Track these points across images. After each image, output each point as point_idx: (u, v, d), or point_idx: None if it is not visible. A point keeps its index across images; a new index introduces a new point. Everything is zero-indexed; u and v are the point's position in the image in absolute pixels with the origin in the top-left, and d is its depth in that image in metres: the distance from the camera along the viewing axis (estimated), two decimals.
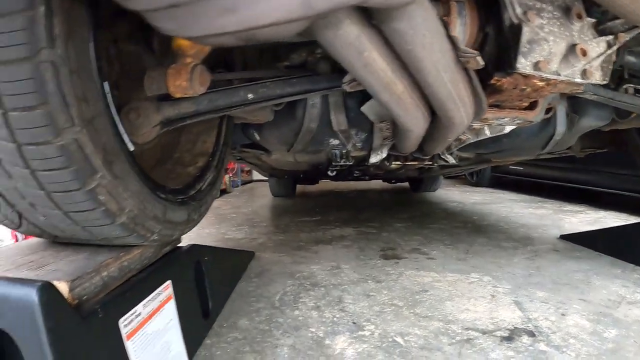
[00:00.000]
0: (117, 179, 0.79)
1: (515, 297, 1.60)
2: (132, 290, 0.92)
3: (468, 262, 2.07)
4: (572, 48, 1.09)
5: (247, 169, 7.67)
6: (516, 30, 1.03)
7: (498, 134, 1.63)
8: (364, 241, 2.57)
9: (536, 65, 1.07)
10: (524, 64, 1.06)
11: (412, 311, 1.49)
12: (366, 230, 2.91)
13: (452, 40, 0.95)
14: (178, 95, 0.98)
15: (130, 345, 0.87)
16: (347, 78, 1.19)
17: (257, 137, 1.98)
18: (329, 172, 2.98)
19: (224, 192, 6.18)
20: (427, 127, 1.36)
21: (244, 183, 7.61)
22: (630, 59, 1.52)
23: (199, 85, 0.94)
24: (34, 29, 0.60)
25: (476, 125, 1.49)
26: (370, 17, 0.82)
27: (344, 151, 2.17)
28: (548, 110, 1.61)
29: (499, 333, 1.30)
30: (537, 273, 1.89)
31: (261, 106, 1.28)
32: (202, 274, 1.36)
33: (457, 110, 1.15)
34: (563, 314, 1.43)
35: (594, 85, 1.37)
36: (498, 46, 1.12)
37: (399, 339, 1.29)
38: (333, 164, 2.42)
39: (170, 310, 1.07)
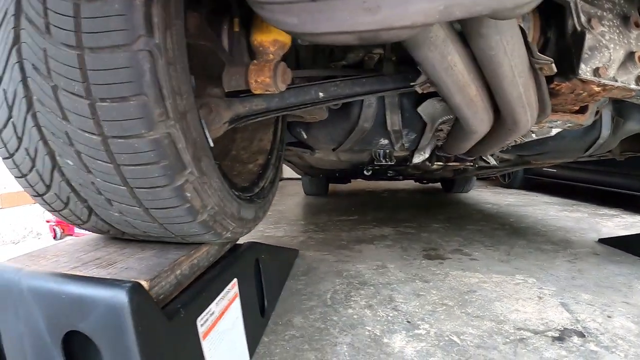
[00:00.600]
0: (204, 175, 0.73)
1: (562, 299, 1.52)
2: (205, 289, 0.85)
3: (511, 264, 1.96)
4: (630, 55, 1.05)
5: None
6: (579, 37, 1.00)
7: (544, 136, 1.54)
8: (405, 241, 2.47)
9: (596, 72, 1.03)
10: (584, 70, 1.02)
11: (463, 311, 1.41)
12: (405, 230, 2.80)
13: (528, 47, 0.90)
14: (259, 92, 0.91)
15: (205, 345, 0.80)
16: (420, 79, 1.11)
17: (305, 135, 1.91)
18: (365, 172, 2.89)
19: None
20: (489, 128, 1.28)
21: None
22: None
23: (282, 82, 0.88)
24: (132, 14, 0.53)
25: (535, 127, 1.40)
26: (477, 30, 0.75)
27: (388, 151, 2.08)
28: (595, 114, 1.51)
29: (550, 333, 1.24)
30: (579, 276, 1.79)
31: (329, 104, 1.21)
32: (260, 271, 1.30)
33: (525, 114, 1.09)
34: (609, 316, 1.37)
35: None
36: (559, 51, 1.08)
37: (455, 338, 1.22)
38: (374, 163, 2.34)
39: (237, 309, 1.01)
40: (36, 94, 0.63)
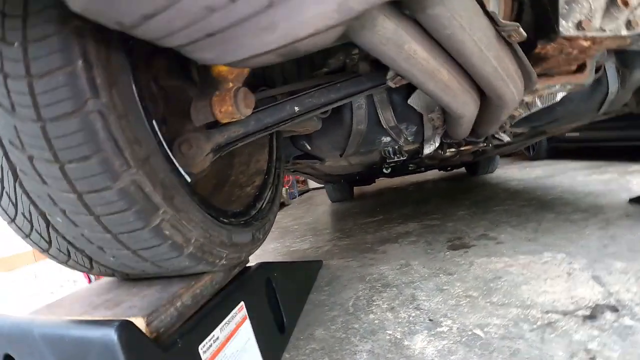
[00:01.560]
0: (180, 212, 0.80)
1: (593, 272, 1.47)
2: (207, 316, 0.92)
3: (539, 241, 1.92)
4: (612, 1, 1.01)
5: (302, 179, 7.74)
6: None
7: (550, 103, 1.51)
8: (430, 234, 2.46)
9: (579, 26, 1.01)
10: (566, 27, 1.01)
11: (488, 300, 1.40)
12: (430, 222, 2.79)
13: (490, 16, 0.90)
14: (225, 121, 0.98)
15: None
16: (390, 74, 1.15)
17: (309, 147, 1.97)
18: (384, 170, 2.92)
19: (282, 205, 6.26)
20: (478, 110, 1.29)
21: (301, 193, 7.68)
22: None
23: (245, 108, 0.94)
24: (76, 82, 0.61)
25: (527, 98, 1.39)
26: (404, 8, 0.77)
27: (396, 147, 2.11)
28: (597, 70, 1.48)
29: (580, 312, 1.21)
30: (612, 243, 1.73)
31: (309, 117, 1.26)
32: (273, 290, 1.36)
33: (507, 87, 1.08)
34: None
35: None
36: (536, 14, 1.07)
37: (478, 331, 1.21)
38: (387, 161, 2.37)
39: (247, 331, 1.07)
40: (18, 165, 0.72)
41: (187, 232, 0.81)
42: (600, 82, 1.63)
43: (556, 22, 0.99)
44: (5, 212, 0.82)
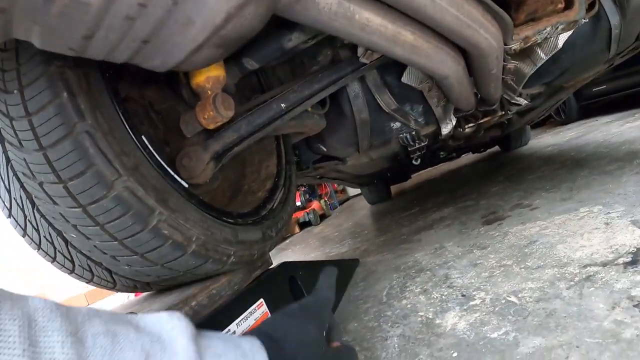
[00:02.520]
0: (175, 212, 0.90)
1: (632, 217, 1.44)
2: (222, 313, 1.01)
3: (574, 199, 1.89)
4: None
5: (340, 188, 7.82)
6: None
7: (554, 52, 1.48)
8: (464, 215, 2.46)
9: None
10: None
11: (522, 266, 1.39)
12: (464, 204, 2.78)
13: None
14: (212, 127, 1.08)
15: None
16: (360, 50, 1.21)
17: (324, 148, 2.06)
18: (413, 162, 2.94)
19: (323, 216, 6.37)
20: (462, 68, 1.30)
21: (341, 203, 7.75)
22: None
23: (225, 110, 1.03)
24: (64, 110, 0.74)
25: (515, 45, 1.36)
26: None
27: (412, 132, 2.13)
28: (592, 6, 1.45)
29: (620, 260, 1.17)
30: None
31: (299, 111, 1.33)
32: (300, 288, 1.44)
33: (477, 33, 1.08)
34: None
35: None
36: None
37: (512, 298, 1.21)
38: (409, 149, 2.39)
39: None
40: (33, 192, 0.86)
41: (186, 231, 0.91)
42: (598, 17, 1.57)
43: None
44: (32, 239, 0.96)
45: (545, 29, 1.29)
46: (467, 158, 6.09)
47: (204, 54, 0.63)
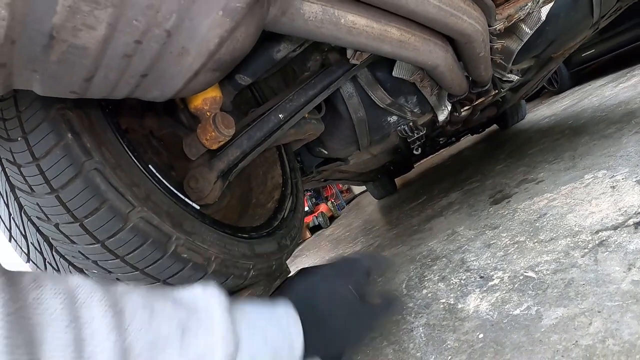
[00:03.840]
0: (192, 235, 0.91)
1: (636, 177, 1.44)
2: None
3: (578, 167, 1.89)
4: None
5: (345, 188, 7.83)
6: None
7: (538, 25, 1.48)
8: (471, 198, 2.46)
9: None
10: None
11: (535, 241, 1.40)
12: (470, 187, 2.78)
13: None
14: (215, 147, 1.10)
15: None
16: (349, 52, 1.22)
17: (325, 151, 2.07)
18: (414, 152, 2.95)
19: (332, 218, 6.39)
20: (450, 55, 1.31)
21: (348, 202, 7.76)
22: None
23: (226, 129, 1.05)
24: (70, 151, 0.75)
25: (499, 25, 1.37)
26: None
27: (410, 123, 2.14)
28: None
29: (631, 221, 1.18)
30: None
31: (297, 119, 1.35)
32: None
33: (462, 20, 1.10)
34: None
35: None
36: None
37: (529, 273, 1.21)
38: (409, 140, 2.40)
39: None
40: (49, 235, 0.87)
41: (204, 252, 0.93)
42: None
43: None
44: None
45: (526, 4, 1.30)
46: (467, 140, 6.09)
47: (201, 79, 0.65)
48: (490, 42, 1.47)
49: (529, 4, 1.32)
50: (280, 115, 1.27)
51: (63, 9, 0.46)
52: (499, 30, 1.34)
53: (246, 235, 1.15)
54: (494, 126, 5.08)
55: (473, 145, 5.29)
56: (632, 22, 3.78)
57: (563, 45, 2.00)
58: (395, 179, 5.17)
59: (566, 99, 4.49)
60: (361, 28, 0.92)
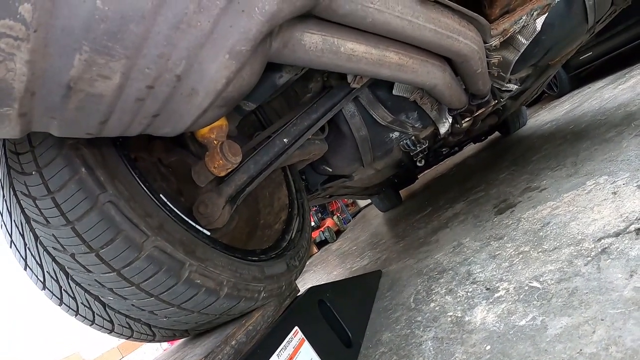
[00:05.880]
0: (204, 261, 0.95)
1: (637, 182, 1.45)
2: (262, 347, 1.05)
3: (580, 173, 1.90)
4: None
5: (350, 201, 7.84)
6: None
7: (534, 35, 1.52)
8: (476, 208, 2.48)
9: None
10: None
11: (539, 250, 1.41)
12: (475, 196, 2.80)
13: None
14: (223, 174, 1.14)
15: None
16: (349, 77, 1.26)
17: (329, 169, 2.11)
18: (418, 164, 2.98)
19: (338, 233, 6.41)
20: (448, 74, 1.35)
21: (354, 215, 7.76)
22: None
23: (233, 156, 1.09)
24: (85, 185, 0.79)
25: (494, 41, 1.39)
26: (320, 18, 0.87)
27: (412, 138, 2.17)
28: None
29: (632, 227, 1.19)
30: None
31: (301, 142, 1.39)
32: (330, 309, 1.47)
33: (458, 42, 1.14)
34: None
35: None
36: None
37: (534, 284, 1.23)
38: (412, 154, 2.43)
39: (308, 351, 1.18)
40: (65, 264, 0.91)
41: (216, 277, 0.96)
42: None
43: None
44: (69, 307, 1.01)
45: (521, 18, 1.33)
46: (470, 149, 6.10)
47: (209, 115, 0.69)
48: (488, 57, 1.50)
49: (524, 17, 1.35)
50: (285, 140, 1.31)
51: (80, 63, 0.50)
52: (495, 45, 1.37)
53: (256, 258, 1.18)
54: (496, 134, 5.09)
55: (476, 154, 5.29)
56: (628, 23, 3.80)
57: (560, 52, 2.03)
58: (400, 191, 5.19)
59: (566, 103, 4.50)
60: (360, 55, 0.96)
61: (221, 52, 0.58)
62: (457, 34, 1.13)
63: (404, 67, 1.12)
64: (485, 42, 1.32)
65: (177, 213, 0.99)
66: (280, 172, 1.75)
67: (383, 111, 1.74)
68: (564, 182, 1.94)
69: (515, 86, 2.13)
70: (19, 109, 0.49)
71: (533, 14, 1.37)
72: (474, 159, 5.00)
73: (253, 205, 1.69)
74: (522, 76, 2.19)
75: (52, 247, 0.88)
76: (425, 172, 5.79)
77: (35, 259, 0.97)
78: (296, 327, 1.20)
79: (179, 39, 0.54)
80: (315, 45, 0.87)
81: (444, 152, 3.63)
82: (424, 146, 2.30)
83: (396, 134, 1.97)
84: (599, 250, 1.19)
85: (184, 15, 0.52)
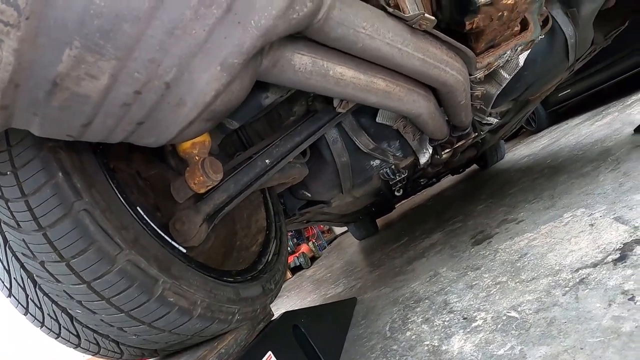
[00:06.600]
0: (179, 279, 0.91)
1: (614, 214, 1.49)
2: None
3: (557, 206, 1.94)
4: None
5: (326, 228, 7.81)
6: None
7: (517, 71, 1.56)
8: (453, 239, 2.50)
9: None
10: None
11: (517, 281, 1.43)
12: (452, 227, 2.83)
13: (395, 16, 0.98)
14: (203, 191, 1.12)
15: None
16: (336, 101, 1.27)
17: (308, 194, 2.10)
18: (396, 193, 2.99)
19: (314, 259, 6.37)
20: (433, 104, 1.37)
21: (330, 242, 7.73)
22: None
23: (214, 174, 1.07)
24: (61, 191, 0.76)
25: (479, 74, 1.42)
26: (311, 40, 0.87)
27: (392, 166, 2.18)
28: (546, 21, 1.54)
29: (609, 258, 1.22)
30: (626, 179, 1.75)
31: (283, 165, 1.38)
32: (304, 335, 1.43)
33: (444, 72, 1.16)
34: None
35: None
36: None
37: (512, 314, 1.24)
38: (390, 183, 2.44)
39: None
40: (34, 272, 0.87)
41: (190, 296, 0.92)
42: (553, 31, 1.67)
43: None
44: (34, 317, 0.96)
45: (505, 53, 1.36)
46: (448, 180, 6.19)
47: (194, 128, 0.68)
48: (471, 90, 1.54)
49: (508, 52, 1.38)
50: (266, 161, 1.30)
51: (69, 59, 0.49)
52: (479, 78, 1.40)
53: (231, 279, 1.15)
54: (475, 166, 5.18)
55: (454, 185, 5.37)
56: (606, 62, 3.97)
57: (540, 88, 2.09)
58: (377, 220, 5.20)
59: (544, 138, 4.62)
60: (349, 79, 0.98)
61: (213, 63, 0.57)
62: (445, 65, 1.16)
63: (390, 95, 1.13)
64: (470, 75, 1.35)
65: (153, 228, 0.96)
66: (259, 194, 1.73)
67: (366, 138, 1.76)
68: (541, 214, 1.98)
69: (496, 120, 2.19)
70: (0, 100, 0.47)
71: (517, 49, 1.42)
72: (452, 190, 5.08)
73: (230, 226, 1.66)
74: (503, 110, 2.24)
75: (22, 253, 0.84)
76: (403, 201, 5.83)
77: (2, 264, 0.92)
78: (270, 352, 1.17)
79: (172, 45, 0.54)
80: (305, 66, 0.88)
81: (422, 183, 3.67)
82: (403, 176, 2.32)
83: (377, 162, 1.98)
84: (577, 280, 1.21)
85: (180, 21, 0.51)
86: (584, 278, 1.20)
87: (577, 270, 1.26)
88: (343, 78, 0.97)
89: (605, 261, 1.22)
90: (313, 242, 7.32)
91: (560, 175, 2.48)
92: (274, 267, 1.47)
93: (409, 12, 1.02)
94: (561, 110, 5.21)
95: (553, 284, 1.27)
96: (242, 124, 1.32)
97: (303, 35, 0.83)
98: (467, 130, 2.01)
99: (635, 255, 1.16)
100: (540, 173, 2.90)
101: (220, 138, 1.36)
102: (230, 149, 1.71)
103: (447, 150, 2.30)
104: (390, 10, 0.97)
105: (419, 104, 1.28)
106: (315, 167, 1.85)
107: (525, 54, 1.52)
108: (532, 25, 1.37)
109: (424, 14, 0.99)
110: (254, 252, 1.51)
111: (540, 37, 1.43)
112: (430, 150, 2.07)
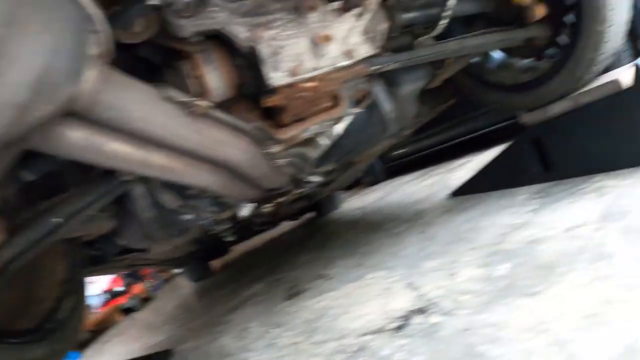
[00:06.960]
0: None
1: (408, 280, 1.54)
2: None
3: (365, 265, 2.00)
4: (313, 40, 1.16)
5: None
6: (252, 52, 1.09)
7: (335, 139, 1.65)
8: (272, 290, 2.58)
9: (292, 72, 1.13)
10: (279, 77, 1.11)
11: (310, 342, 1.49)
12: (275, 278, 2.89)
13: (171, 99, 1.04)
14: None
15: None
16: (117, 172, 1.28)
17: (123, 242, 2.00)
18: (228, 238, 2.96)
19: (147, 299, 5.99)
20: (222, 176, 1.40)
21: (167, 280, 7.33)
22: (408, 15, 1.57)
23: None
24: None
25: (278, 148, 1.46)
26: (86, 116, 0.91)
27: (210, 220, 2.18)
28: (365, 97, 1.65)
29: (391, 325, 1.27)
30: (429, 244, 1.81)
31: (75, 222, 1.30)
32: None
33: (228, 149, 1.23)
34: (452, 274, 1.39)
35: (380, 56, 1.43)
36: (254, 73, 1.15)
37: None
38: (213, 232, 2.42)
39: None
40: None
41: None
42: (373, 106, 1.72)
43: (267, 76, 1.09)
44: None
45: (312, 126, 1.43)
46: (289, 224, 6.34)
47: None
48: (276, 158, 1.55)
49: (316, 126, 1.46)
50: (58, 219, 1.25)
51: None
52: (279, 150, 1.45)
53: (16, 341, 1.08)
54: (313, 212, 5.38)
55: (294, 230, 5.46)
56: (440, 127, 4.42)
57: (361, 154, 2.21)
58: (215, 261, 5.10)
59: (378, 192, 4.81)
60: (123, 155, 1.02)
61: None
62: (225, 145, 1.21)
63: (169, 169, 1.17)
64: (264, 149, 1.39)
65: None
66: (60, 244, 1.62)
67: (170, 196, 1.74)
68: (350, 272, 2.04)
69: (319, 178, 2.18)
70: None
71: (327, 122, 1.49)
72: (290, 234, 5.21)
73: (26, 280, 1.53)
74: (327, 169, 2.22)
75: None
76: (240, 244, 5.82)
77: None
78: None
79: None
80: (77, 142, 0.92)
81: (257, 229, 3.73)
82: (226, 226, 2.34)
83: (190, 216, 1.97)
84: (359, 346, 1.26)
85: None
86: (365, 344, 1.25)
87: (361, 336, 1.31)
88: (119, 154, 1.01)
89: (385, 328, 1.27)
90: (148, 281, 6.86)
91: (377, 233, 2.54)
92: (69, 323, 1.39)
93: (213, 88, 1.11)
94: (396, 167, 5.68)
95: (339, 348, 1.32)
96: (39, 175, 1.26)
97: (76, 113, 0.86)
98: (282, 190, 2.01)
99: (412, 324, 1.21)
100: (364, 228, 3.02)
101: (15, 188, 1.28)
102: (36, 197, 1.59)
103: (269, 204, 2.36)
104: (166, 95, 1.04)
105: (203, 178, 1.32)
106: (123, 218, 1.78)
107: (344, 123, 1.62)
108: (343, 103, 1.46)
109: (194, 100, 1.07)
110: (45, 308, 1.41)
111: (357, 111, 1.55)
112: (250, 205, 2.13)
